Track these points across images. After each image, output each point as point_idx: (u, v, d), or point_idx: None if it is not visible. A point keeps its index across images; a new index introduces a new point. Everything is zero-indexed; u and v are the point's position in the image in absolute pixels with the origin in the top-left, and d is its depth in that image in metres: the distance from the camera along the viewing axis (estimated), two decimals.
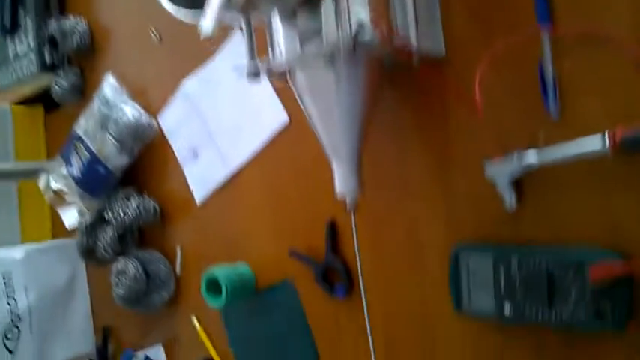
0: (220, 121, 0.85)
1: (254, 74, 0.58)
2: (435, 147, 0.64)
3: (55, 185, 1.01)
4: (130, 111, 0.94)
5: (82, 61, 1.09)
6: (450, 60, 0.62)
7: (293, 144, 0.78)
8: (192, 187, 0.91)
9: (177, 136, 0.92)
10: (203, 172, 0.88)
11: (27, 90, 1.16)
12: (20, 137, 1.19)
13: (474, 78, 0.57)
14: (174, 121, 0.92)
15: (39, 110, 1.21)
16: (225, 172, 0.85)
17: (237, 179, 0.85)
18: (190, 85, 0.89)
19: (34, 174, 1.07)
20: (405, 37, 0.59)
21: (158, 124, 0.95)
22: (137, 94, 0.98)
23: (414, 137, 0.66)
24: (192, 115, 0.89)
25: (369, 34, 0.54)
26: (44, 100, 1.17)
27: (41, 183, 1.04)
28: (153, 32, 0.94)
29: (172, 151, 0.93)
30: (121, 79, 1.00)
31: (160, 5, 0.63)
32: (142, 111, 0.94)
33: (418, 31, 0.59)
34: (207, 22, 0.50)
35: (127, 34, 1.01)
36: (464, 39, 0.61)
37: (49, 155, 1.20)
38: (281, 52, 0.59)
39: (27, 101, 1.20)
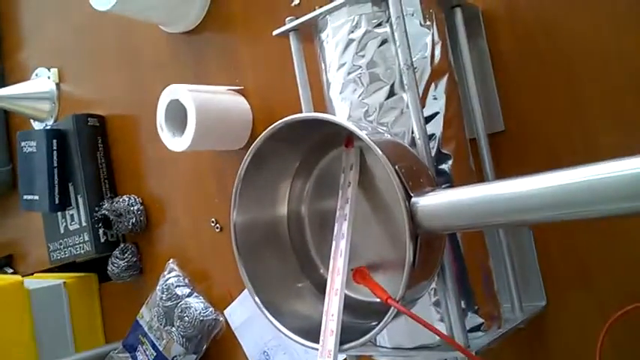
0: None
1: None
2: None
3: None
4: (196, 305, 0.89)
5: (138, 238, 1.06)
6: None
7: None
8: None
9: (246, 334, 0.87)
10: None
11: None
12: (75, 309, 1.15)
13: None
14: (243, 318, 0.87)
15: (93, 280, 1.18)
16: None
17: None
18: None
19: None
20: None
21: (225, 318, 0.90)
22: (199, 280, 0.93)
23: None
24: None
25: None
26: (98, 269, 1.14)
27: None
28: (213, 222, 0.90)
29: (242, 348, 0.88)
30: (181, 263, 0.96)
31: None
32: (207, 304, 0.90)
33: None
34: None
35: (183, 214, 0.98)
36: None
37: (106, 327, 1.16)
38: None
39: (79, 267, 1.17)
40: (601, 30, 0.55)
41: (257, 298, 0.53)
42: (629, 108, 0.54)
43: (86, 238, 1.06)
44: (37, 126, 1.26)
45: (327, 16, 0.54)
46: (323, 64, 0.56)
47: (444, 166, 0.52)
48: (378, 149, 0.43)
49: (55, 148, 1.09)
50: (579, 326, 0.56)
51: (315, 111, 0.60)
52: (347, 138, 0.53)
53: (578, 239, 0.57)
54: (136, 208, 1.02)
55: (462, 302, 0.50)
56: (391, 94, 0.51)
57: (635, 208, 0.34)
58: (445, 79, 0.53)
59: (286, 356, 0.80)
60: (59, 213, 1.12)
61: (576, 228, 0.57)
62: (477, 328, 0.51)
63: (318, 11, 0.54)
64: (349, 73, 0.52)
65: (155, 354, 0.91)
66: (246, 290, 0.85)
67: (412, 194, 0.43)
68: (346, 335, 0.47)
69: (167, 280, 0.93)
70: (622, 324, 0.49)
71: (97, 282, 1.18)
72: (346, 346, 0.46)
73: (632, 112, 0.54)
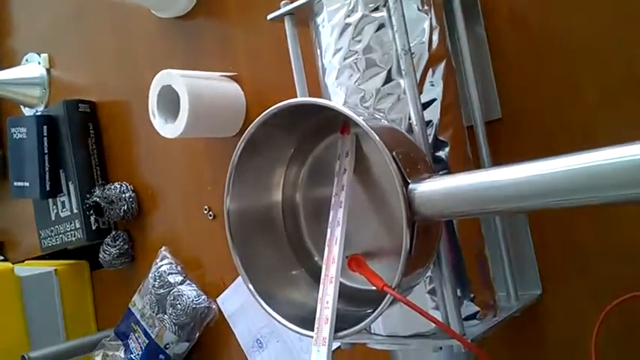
0: None
1: None
2: None
3: None
4: (188, 293, 0.88)
5: (129, 225, 1.05)
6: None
7: None
8: None
9: (239, 322, 0.86)
10: None
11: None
12: (67, 296, 1.14)
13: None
14: (236, 306, 0.86)
15: (84, 267, 1.17)
16: None
17: None
18: None
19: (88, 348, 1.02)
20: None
21: (218, 306, 0.89)
22: (192, 268, 0.93)
23: None
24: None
25: None
26: (89, 256, 1.13)
27: None
28: (206, 209, 0.90)
29: (234, 336, 0.87)
30: (174, 250, 0.95)
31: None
32: (200, 292, 0.89)
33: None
34: None
35: (175, 201, 0.97)
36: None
37: (98, 314, 1.15)
38: None
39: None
40: (600, 17, 0.54)
41: (251, 286, 0.52)
42: (628, 96, 0.53)
43: (77, 226, 1.05)
44: (27, 112, 1.25)
45: (323, 0, 0.53)
46: (318, 50, 0.55)
47: (441, 154, 0.51)
48: (376, 135, 0.42)
49: (45, 134, 1.08)
50: (575, 315, 0.56)
51: (310, 97, 0.59)
52: (343, 124, 0.52)
53: (574, 228, 0.56)
54: (127, 195, 1.01)
55: (458, 290, 0.50)
56: (388, 79, 0.50)
57: (633, 196, 0.34)
58: (443, 65, 0.52)
59: (279, 344, 0.80)
60: (50, 200, 1.11)
61: (573, 216, 0.56)
62: (472, 317, 0.51)
63: None
64: (345, 59, 0.52)
65: (147, 341, 0.90)
66: (239, 278, 0.85)
67: (410, 181, 0.42)
68: (341, 323, 0.46)
69: (159, 267, 0.92)
70: (618, 313, 0.49)
71: (88, 269, 1.17)
72: (341, 334, 0.46)
73: (632, 100, 0.53)
